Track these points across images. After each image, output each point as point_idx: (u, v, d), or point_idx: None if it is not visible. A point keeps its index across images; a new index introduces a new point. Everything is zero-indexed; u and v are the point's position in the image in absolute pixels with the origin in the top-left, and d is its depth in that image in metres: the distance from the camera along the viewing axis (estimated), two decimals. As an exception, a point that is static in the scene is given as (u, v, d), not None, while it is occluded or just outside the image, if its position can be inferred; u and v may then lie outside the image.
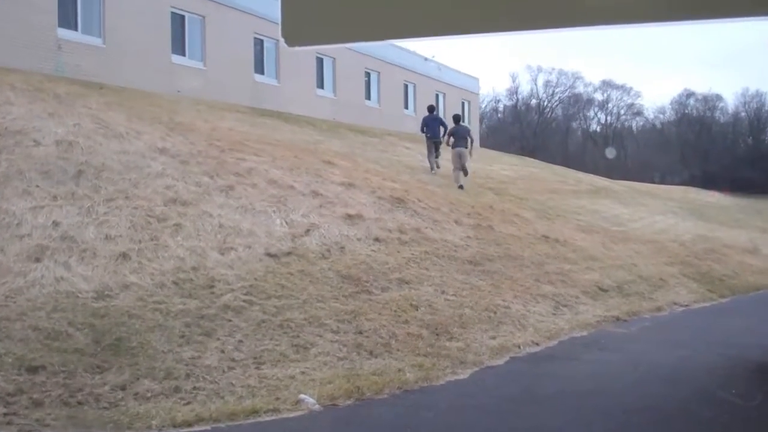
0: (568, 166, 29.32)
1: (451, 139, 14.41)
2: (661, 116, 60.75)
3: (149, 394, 4.51)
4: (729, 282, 12.23)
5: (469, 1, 1.44)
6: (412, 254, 8.35)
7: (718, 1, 1.35)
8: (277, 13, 1.52)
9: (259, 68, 19.02)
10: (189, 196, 7.89)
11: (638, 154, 56.03)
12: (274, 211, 8.22)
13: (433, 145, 15.16)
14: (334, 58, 21.34)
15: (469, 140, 14.45)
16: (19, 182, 6.96)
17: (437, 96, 26.86)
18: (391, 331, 6.24)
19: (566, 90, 59.68)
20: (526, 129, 56.88)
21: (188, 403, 4.49)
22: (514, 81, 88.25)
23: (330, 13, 1.52)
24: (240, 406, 4.51)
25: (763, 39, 60.04)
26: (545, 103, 60.11)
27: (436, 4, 1.45)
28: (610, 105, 60.07)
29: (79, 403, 4.31)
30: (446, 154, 14.95)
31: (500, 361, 6.15)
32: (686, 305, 10.04)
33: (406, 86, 25.99)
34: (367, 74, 23.80)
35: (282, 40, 1.52)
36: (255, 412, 4.47)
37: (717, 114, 57.58)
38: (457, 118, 15.39)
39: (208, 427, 4.26)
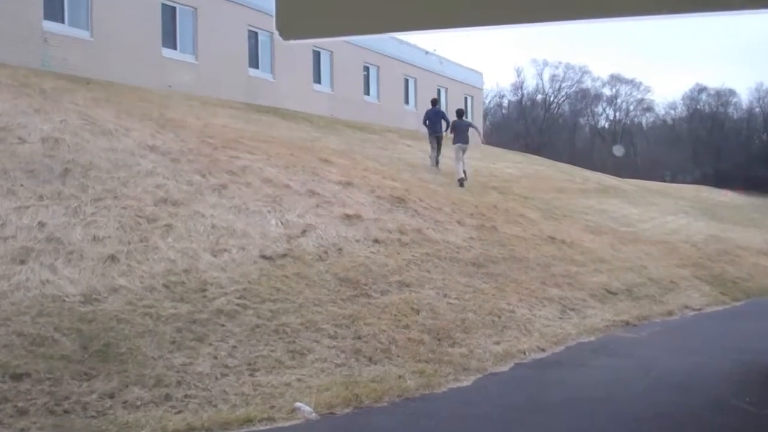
0: (575, 164, 28.97)
1: (452, 134, 14.46)
2: (672, 112, 59.83)
3: (139, 403, 4.46)
4: (743, 285, 12.14)
5: None
6: (413, 256, 8.28)
7: None
8: (271, 5, 1.51)
9: (254, 62, 18.83)
10: (180, 195, 7.81)
11: (648, 151, 55.40)
12: (269, 211, 8.15)
13: (435, 140, 15.08)
14: (332, 52, 21.16)
15: (472, 129, 14.68)
16: (3, 181, 6.88)
17: (439, 91, 26.75)
18: (391, 336, 6.19)
19: (573, 85, 58.88)
20: (531, 125, 56.35)
21: (179, 412, 4.45)
22: (519, 75, 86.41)
23: (326, 4, 1.50)
24: (233, 415, 4.47)
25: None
26: (551, 99, 59.15)
27: None
28: (618, 100, 59.31)
29: (66, 411, 4.25)
30: (448, 152, 14.82)
31: (504, 368, 6.11)
32: (698, 309, 9.97)
33: (406, 81, 25.82)
34: (366, 68, 23.60)
35: (276, 33, 1.50)
36: (249, 421, 4.43)
37: (730, 110, 56.66)
38: (460, 113, 15.34)
39: (200, 437, 4.22)
